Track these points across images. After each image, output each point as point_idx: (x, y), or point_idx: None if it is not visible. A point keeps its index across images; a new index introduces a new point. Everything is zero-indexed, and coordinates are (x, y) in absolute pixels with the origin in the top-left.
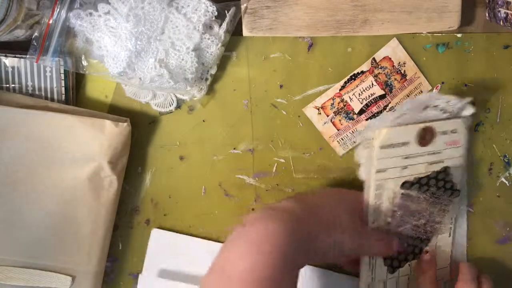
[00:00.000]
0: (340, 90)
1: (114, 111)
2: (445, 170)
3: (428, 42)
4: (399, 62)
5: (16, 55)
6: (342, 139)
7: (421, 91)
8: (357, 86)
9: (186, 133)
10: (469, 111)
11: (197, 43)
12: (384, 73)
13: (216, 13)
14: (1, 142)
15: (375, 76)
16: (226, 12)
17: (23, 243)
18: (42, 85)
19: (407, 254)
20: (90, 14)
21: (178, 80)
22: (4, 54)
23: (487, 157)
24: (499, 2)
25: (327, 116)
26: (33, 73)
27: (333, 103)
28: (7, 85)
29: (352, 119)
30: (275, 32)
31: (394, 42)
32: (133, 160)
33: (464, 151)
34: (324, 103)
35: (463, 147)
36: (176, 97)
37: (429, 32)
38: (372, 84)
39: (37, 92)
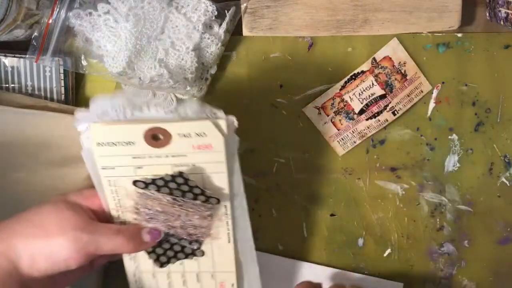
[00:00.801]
0: (340, 90)
1: None
2: (180, 174)
3: (428, 42)
4: (400, 62)
5: (16, 55)
6: (342, 139)
7: (422, 91)
8: (357, 86)
9: None
10: (221, 114)
11: (197, 43)
12: (385, 73)
13: (216, 13)
14: (0, 142)
15: (376, 76)
16: (226, 11)
17: None
18: (42, 85)
19: (176, 252)
20: (90, 13)
21: (178, 80)
22: (3, 54)
23: (488, 157)
24: (500, 2)
25: (327, 116)
26: (33, 73)
27: (333, 103)
28: (7, 85)
29: (352, 119)
30: (275, 32)
31: (394, 41)
32: None
33: (222, 156)
34: (324, 103)
35: (221, 152)
36: (176, 97)
37: (429, 32)
38: (373, 84)
39: (36, 92)
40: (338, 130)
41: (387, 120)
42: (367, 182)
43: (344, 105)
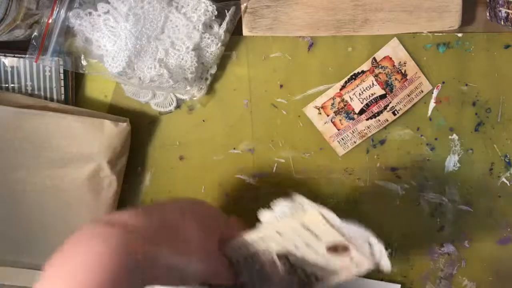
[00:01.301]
0: (340, 90)
1: (114, 111)
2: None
3: (428, 41)
4: (400, 62)
5: (16, 55)
6: (342, 139)
7: (422, 91)
8: (357, 86)
9: (186, 133)
10: (386, 264)
11: (197, 43)
12: (385, 73)
13: (216, 13)
14: (0, 142)
15: (376, 75)
16: (226, 11)
17: (22, 243)
18: (42, 85)
19: None
20: (90, 13)
21: (178, 80)
22: (3, 54)
23: (488, 157)
24: (500, 2)
25: (327, 116)
26: (33, 72)
27: (333, 103)
28: (7, 85)
29: (353, 119)
30: (275, 32)
31: (394, 41)
32: (132, 160)
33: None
34: (324, 103)
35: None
36: (176, 97)
37: (429, 32)
38: (373, 83)
39: (36, 92)
40: (338, 130)
41: (387, 120)
42: (367, 182)
43: (344, 105)
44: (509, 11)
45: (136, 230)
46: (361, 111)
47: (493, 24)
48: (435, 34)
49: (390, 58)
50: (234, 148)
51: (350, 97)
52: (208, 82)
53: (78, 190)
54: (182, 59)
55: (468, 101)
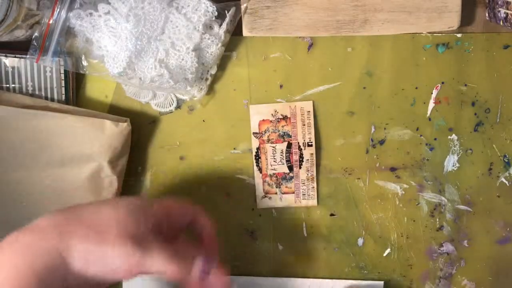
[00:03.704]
0: (263, 174)
1: (114, 111)
2: None
3: (428, 42)
4: (272, 114)
5: (16, 55)
6: (303, 194)
7: (308, 111)
8: (266, 160)
9: (186, 133)
10: None
11: (197, 43)
12: (272, 132)
13: (216, 13)
14: (1, 142)
15: (268, 140)
16: (226, 12)
17: None
18: (42, 85)
19: None
20: (90, 14)
21: (178, 80)
22: (4, 54)
23: (487, 157)
24: (499, 2)
25: (277, 194)
26: (33, 73)
27: (269, 183)
28: (7, 85)
29: (292, 177)
30: (275, 32)
31: (253, 109)
32: (133, 160)
33: None
34: (267, 191)
35: None
36: (176, 97)
37: (429, 32)
38: (273, 147)
39: (37, 92)
40: (294, 192)
41: (312, 154)
42: (367, 182)
43: (276, 178)
44: (508, 11)
45: (46, 228)
46: (290, 168)
47: (493, 24)
48: (435, 34)
49: (264, 120)
50: (234, 148)
51: (272, 169)
52: (208, 82)
53: (78, 190)
54: (183, 59)
55: (467, 101)
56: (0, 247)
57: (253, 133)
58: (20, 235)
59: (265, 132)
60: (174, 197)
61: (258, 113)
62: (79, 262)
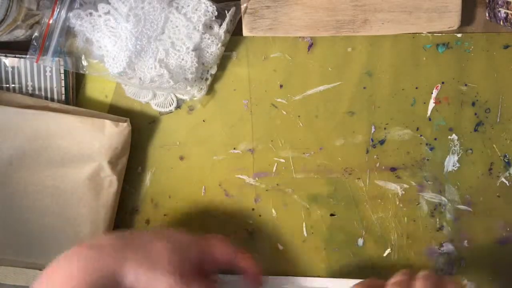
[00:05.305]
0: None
1: (114, 111)
2: None
3: (428, 42)
4: None
5: (16, 55)
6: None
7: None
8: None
9: (186, 133)
10: None
11: (197, 43)
12: None
13: (216, 13)
14: (1, 142)
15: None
16: (226, 12)
17: (23, 243)
18: (42, 85)
19: None
20: (90, 14)
21: (178, 80)
22: (4, 54)
23: (487, 157)
24: (499, 2)
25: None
26: (33, 73)
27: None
28: (7, 85)
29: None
30: (275, 32)
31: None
32: (133, 160)
33: None
34: None
35: None
36: (176, 97)
37: (429, 32)
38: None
39: (37, 92)
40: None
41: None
42: (367, 182)
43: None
44: (509, 11)
45: (106, 248)
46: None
47: (493, 24)
48: (435, 34)
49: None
50: (234, 148)
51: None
52: (208, 82)
53: (78, 190)
54: (183, 59)
55: (467, 101)
56: (60, 258)
57: None
58: (79, 249)
59: None
60: (218, 236)
61: None
62: (129, 283)
